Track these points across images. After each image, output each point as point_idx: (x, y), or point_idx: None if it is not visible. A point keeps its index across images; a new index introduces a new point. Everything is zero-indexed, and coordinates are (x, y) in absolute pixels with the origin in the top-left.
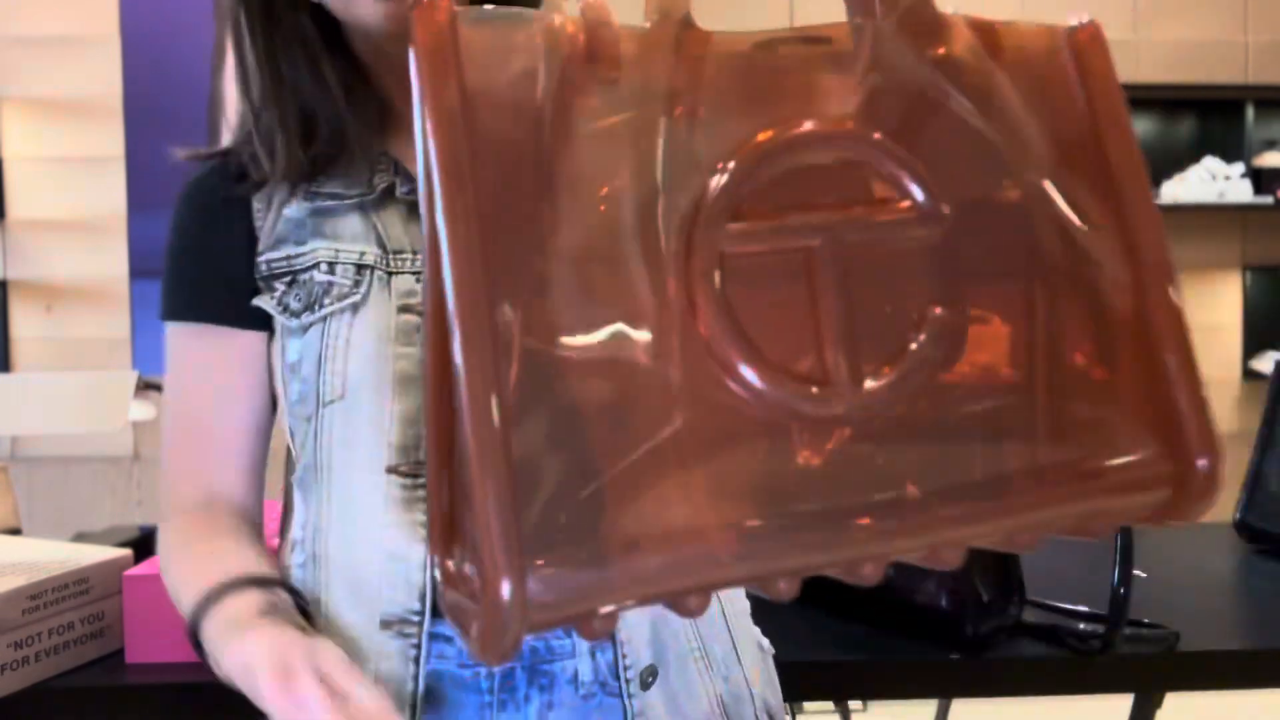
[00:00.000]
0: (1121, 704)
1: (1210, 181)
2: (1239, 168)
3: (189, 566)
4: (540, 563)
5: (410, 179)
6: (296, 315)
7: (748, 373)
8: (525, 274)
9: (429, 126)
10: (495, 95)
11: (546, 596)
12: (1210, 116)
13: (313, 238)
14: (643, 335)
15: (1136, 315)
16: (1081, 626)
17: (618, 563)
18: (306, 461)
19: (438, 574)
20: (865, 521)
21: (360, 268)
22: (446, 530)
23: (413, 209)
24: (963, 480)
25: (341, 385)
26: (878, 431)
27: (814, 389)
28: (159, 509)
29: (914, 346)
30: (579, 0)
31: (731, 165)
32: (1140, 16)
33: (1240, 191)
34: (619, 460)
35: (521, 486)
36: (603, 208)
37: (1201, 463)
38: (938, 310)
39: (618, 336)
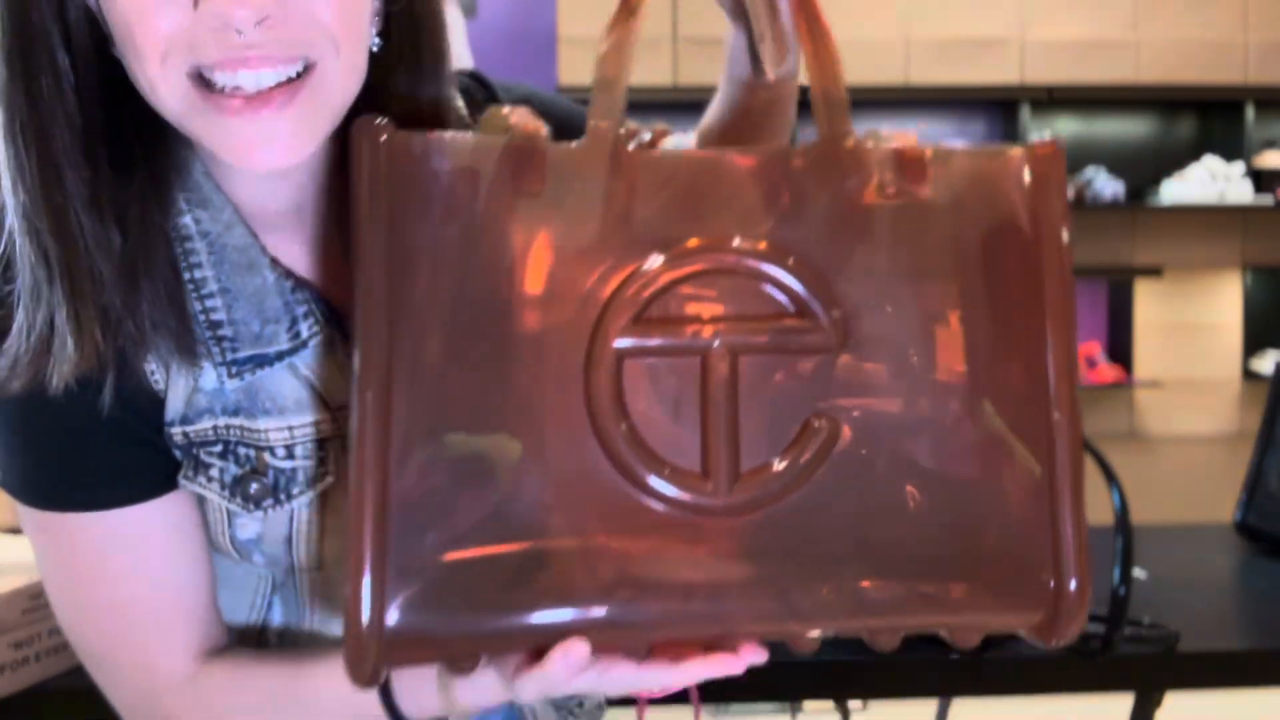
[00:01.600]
0: (1121, 704)
1: (1210, 181)
2: (1239, 168)
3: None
4: (400, 605)
5: (342, 324)
6: (256, 504)
7: (633, 460)
8: (429, 361)
9: (357, 226)
10: (421, 198)
11: (405, 636)
12: (1210, 116)
13: (250, 414)
14: (538, 420)
15: (1036, 445)
16: None
17: (475, 617)
18: (290, 598)
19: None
20: (719, 604)
21: (320, 443)
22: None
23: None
24: (826, 583)
25: (318, 559)
26: (750, 525)
27: (693, 481)
28: (125, 698)
29: (793, 451)
30: (513, 118)
31: (641, 272)
32: (1140, 16)
33: (1240, 191)
34: (493, 527)
35: (395, 540)
36: (513, 305)
37: (1072, 586)
38: (819, 421)
39: (513, 418)
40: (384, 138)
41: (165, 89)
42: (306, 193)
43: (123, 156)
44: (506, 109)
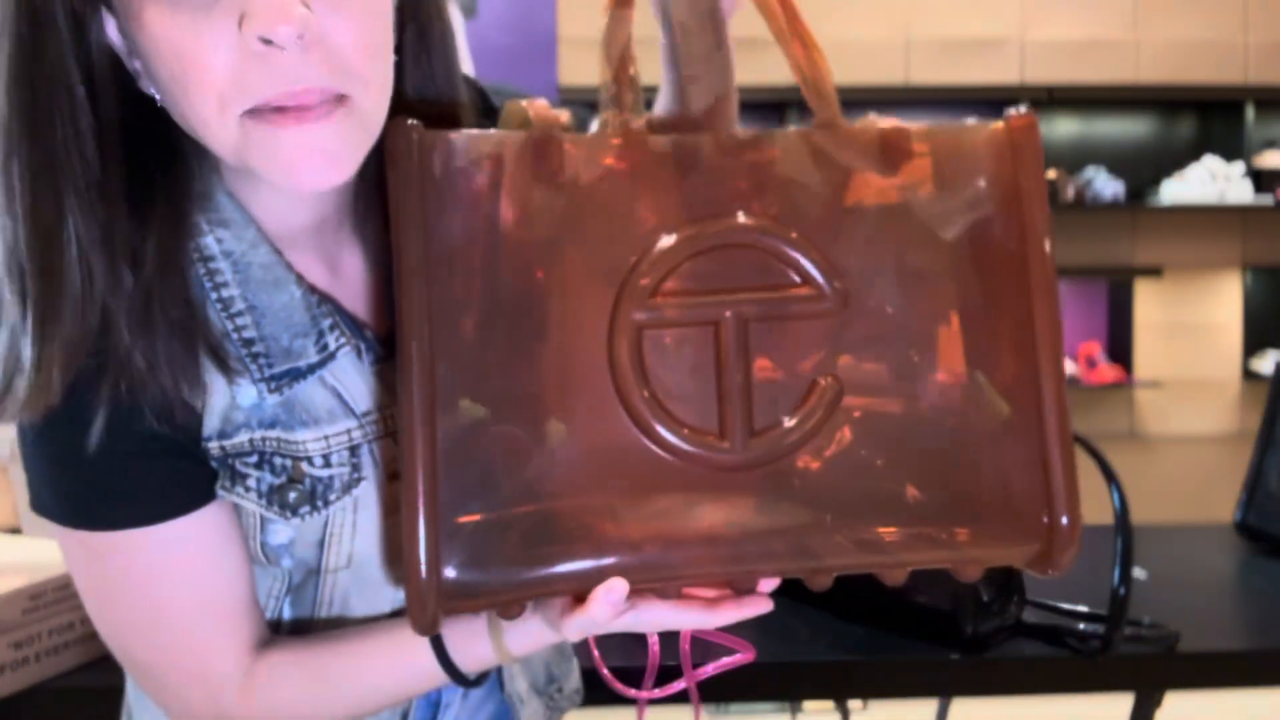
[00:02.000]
0: (1121, 704)
1: (1210, 181)
2: (1239, 168)
3: (341, 666)
4: (452, 561)
5: (361, 333)
6: (294, 511)
7: (654, 423)
8: (467, 341)
9: (395, 220)
10: (452, 191)
11: (458, 587)
12: (1210, 116)
13: (288, 426)
14: (568, 390)
15: (1025, 394)
16: (1081, 626)
17: (518, 569)
18: (306, 596)
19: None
20: (740, 550)
21: (352, 449)
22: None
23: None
24: (839, 529)
25: (347, 559)
26: (766, 478)
27: (711, 439)
28: (182, 705)
29: (802, 410)
30: (532, 110)
31: (656, 250)
32: (1140, 16)
33: (1240, 191)
34: (532, 487)
35: (444, 505)
36: (540, 285)
37: (1064, 520)
38: (825, 380)
39: (545, 390)
40: (416, 137)
41: (223, 133)
42: (326, 209)
43: (142, 190)
44: (525, 102)
